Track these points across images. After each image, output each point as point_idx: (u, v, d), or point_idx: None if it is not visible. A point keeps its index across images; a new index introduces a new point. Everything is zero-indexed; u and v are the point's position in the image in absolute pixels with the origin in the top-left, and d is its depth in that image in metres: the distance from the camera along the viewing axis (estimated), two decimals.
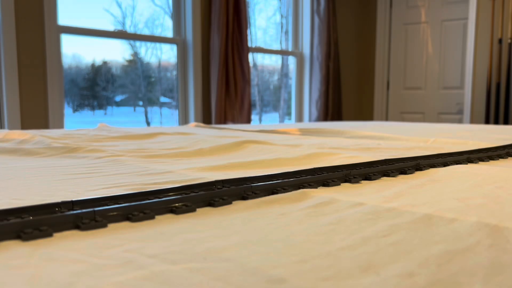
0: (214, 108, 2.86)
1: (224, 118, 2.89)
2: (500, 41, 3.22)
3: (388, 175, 0.58)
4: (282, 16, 3.56)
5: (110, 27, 2.75)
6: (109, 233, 0.33)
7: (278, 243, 0.31)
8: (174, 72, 2.96)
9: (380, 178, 0.57)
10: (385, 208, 0.41)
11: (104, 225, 0.35)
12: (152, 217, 0.37)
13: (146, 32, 2.97)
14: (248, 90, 2.98)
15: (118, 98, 2.97)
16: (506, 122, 3.23)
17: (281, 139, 1.09)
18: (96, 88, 2.88)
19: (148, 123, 3.06)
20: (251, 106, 3.01)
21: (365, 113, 3.96)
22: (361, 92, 3.95)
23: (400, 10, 3.76)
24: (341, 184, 0.53)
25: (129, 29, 2.89)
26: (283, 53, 3.53)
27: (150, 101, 3.05)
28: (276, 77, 3.56)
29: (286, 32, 3.56)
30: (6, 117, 2.21)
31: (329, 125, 1.92)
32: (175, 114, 3.01)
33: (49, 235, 0.32)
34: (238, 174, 0.51)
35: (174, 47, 2.93)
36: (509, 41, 3.20)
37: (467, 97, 3.38)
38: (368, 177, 0.56)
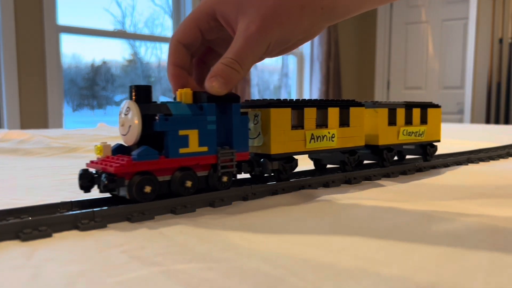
0: None
1: None
2: (500, 40, 3.22)
3: (388, 176, 0.58)
4: None
5: (110, 27, 2.75)
6: (109, 233, 0.33)
7: (277, 243, 0.31)
8: None
9: (380, 179, 0.57)
10: (385, 208, 0.41)
11: (103, 225, 0.35)
12: (151, 218, 0.37)
13: (146, 31, 2.97)
14: (248, 90, 2.98)
15: (118, 97, 2.97)
16: (506, 122, 3.23)
17: None
18: (95, 88, 2.88)
19: None
20: None
21: None
22: (361, 91, 3.95)
23: (401, 9, 3.76)
24: (341, 185, 0.53)
25: (129, 28, 2.89)
26: None
27: None
28: (276, 77, 3.56)
29: None
30: (5, 117, 2.21)
31: None
32: None
33: (48, 235, 0.32)
34: (238, 174, 0.51)
35: None
36: (510, 40, 3.20)
37: (467, 97, 3.38)
38: (368, 178, 0.56)
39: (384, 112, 0.59)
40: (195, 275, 0.25)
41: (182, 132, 0.40)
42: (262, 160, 0.47)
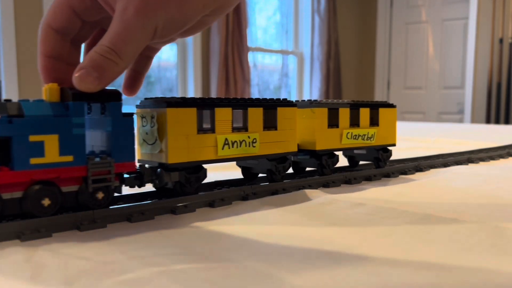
0: None
1: None
2: (501, 40, 3.22)
3: (388, 176, 0.58)
4: (282, 15, 3.56)
5: None
6: (109, 233, 0.33)
7: (278, 243, 0.31)
8: (174, 72, 2.95)
9: (380, 179, 0.57)
10: (385, 208, 0.41)
11: (103, 226, 0.35)
12: (151, 218, 0.37)
13: None
14: (248, 90, 2.98)
15: None
16: (507, 122, 3.23)
17: None
18: None
19: None
20: None
21: None
22: (361, 91, 3.95)
23: (401, 9, 3.76)
24: (342, 185, 0.53)
25: None
26: (283, 52, 3.52)
27: None
28: (276, 77, 3.55)
29: (286, 32, 3.55)
30: None
31: None
32: None
33: (49, 235, 0.32)
34: (238, 175, 0.51)
35: (174, 46, 2.92)
36: (510, 40, 3.20)
37: (467, 96, 3.38)
38: (368, 178, 0.56)
39: (323, 112, 0.51)
40: (195, 275, 0.25)
41: (34, 138, 0.32)
42: (158, 170, 0.39)
